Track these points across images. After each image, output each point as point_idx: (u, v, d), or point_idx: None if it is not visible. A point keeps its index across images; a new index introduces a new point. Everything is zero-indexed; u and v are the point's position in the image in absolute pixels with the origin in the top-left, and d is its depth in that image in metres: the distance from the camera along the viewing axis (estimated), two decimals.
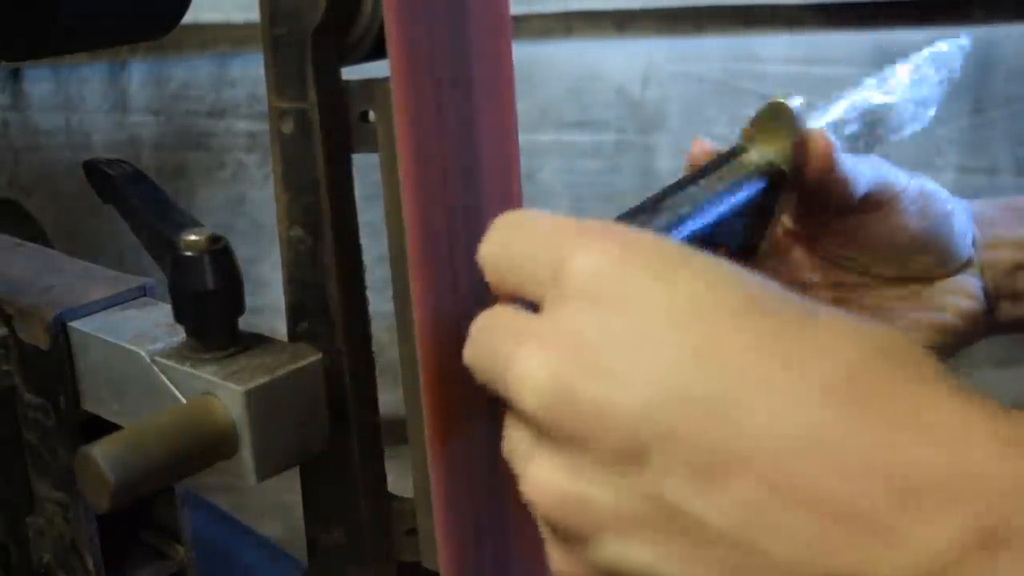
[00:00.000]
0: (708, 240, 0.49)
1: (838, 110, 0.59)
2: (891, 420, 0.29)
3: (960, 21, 0.99)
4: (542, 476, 0.32)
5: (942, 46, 0.63)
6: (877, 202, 0.57)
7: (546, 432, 0.32)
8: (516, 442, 0.34)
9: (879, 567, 0.27)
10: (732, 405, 0.29)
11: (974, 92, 1.00)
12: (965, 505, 0.27)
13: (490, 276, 0.36)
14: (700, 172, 0.52)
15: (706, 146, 0.56)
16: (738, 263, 0.53)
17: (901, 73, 0.61)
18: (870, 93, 0.60)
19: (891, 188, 0.57)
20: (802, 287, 0.61)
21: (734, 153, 0.54)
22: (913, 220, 0.58)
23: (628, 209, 0.48)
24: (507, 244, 0.36)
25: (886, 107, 0.60)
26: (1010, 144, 1.01)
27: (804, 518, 0.28)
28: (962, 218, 0.61)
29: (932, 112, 0.62)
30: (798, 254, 0.61)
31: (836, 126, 0.58)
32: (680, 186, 0.51)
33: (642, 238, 0.34)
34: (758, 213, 0.53)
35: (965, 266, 0.61)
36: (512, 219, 0.37)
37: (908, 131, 0.61)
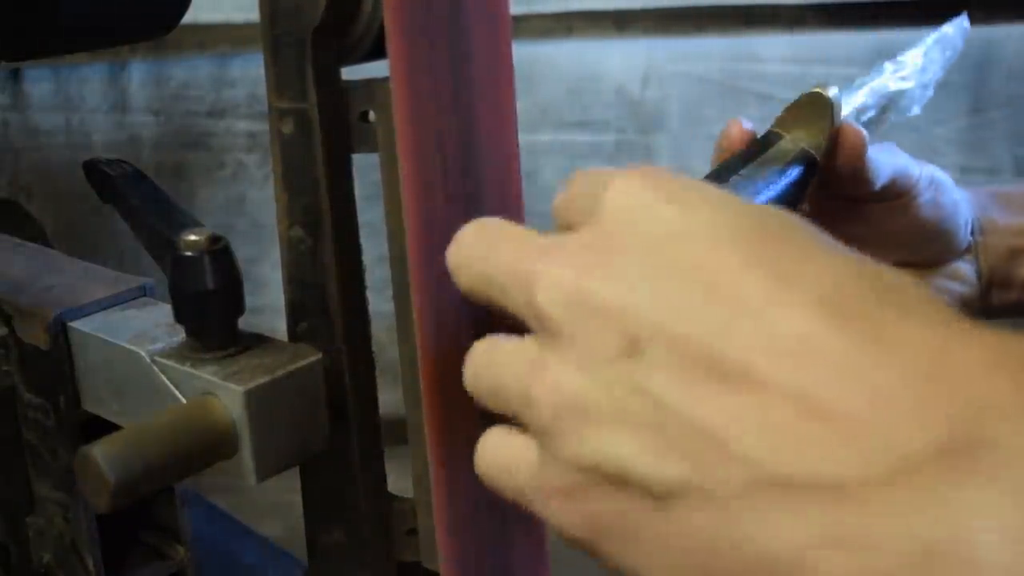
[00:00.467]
0: None
1: (860, 96, 0.60)
2: (875, 335, 0.29)
3: None
4: (548, 379, 0.33)
5: (947, 29, 0.65)
6: (896, 192, 0.59)
7: (555, 336, 0.33)
8: (521, 363, 0.35)
9: (840, 464, 0.28)
10: (725, 311, 0.31)
11: (974, 92, 1.00)
12: (934, 413, 0.27)
13: (560, 221, 0.38)
14: (742, 157, 0.53)
15: (744, 128, 0.58)
16: None
17: (914, 58, 0.62)
18: (888, 79, 0.61)
19: (908, 178, 0.59)
20: None
21: (770, 140, 0.55)
22: (926, 209, 0.60)
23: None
24: (571, 188, 0.38)
25: (900, 92, 0.61)
26: (1010, 144, 1.01)
27: (778, 413, 0.29)
28: (966, 206, 0.63)
29: (931, 92, 0.63)
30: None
31: (857, 113, 0.59)
32: (727, 170, 0.52)
33: (678, 178, 0.35)
34: (789, 199, 0.55)
35: (965, 252, 0.63)
36: (580, 174, 0.39)
37: (913, 112, 0.62)
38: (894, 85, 0.61)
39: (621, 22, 1.03)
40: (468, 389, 0.37)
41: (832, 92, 0.56)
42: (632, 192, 0.35)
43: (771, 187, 0.52)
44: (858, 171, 0.56)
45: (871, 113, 0.60)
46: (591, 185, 0.37)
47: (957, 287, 0.63)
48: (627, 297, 0.32)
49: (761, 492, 0.28)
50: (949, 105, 1.00)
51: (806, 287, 0.30)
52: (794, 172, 0.54)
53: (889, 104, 0.61)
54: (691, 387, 0.30)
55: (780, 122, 0.57)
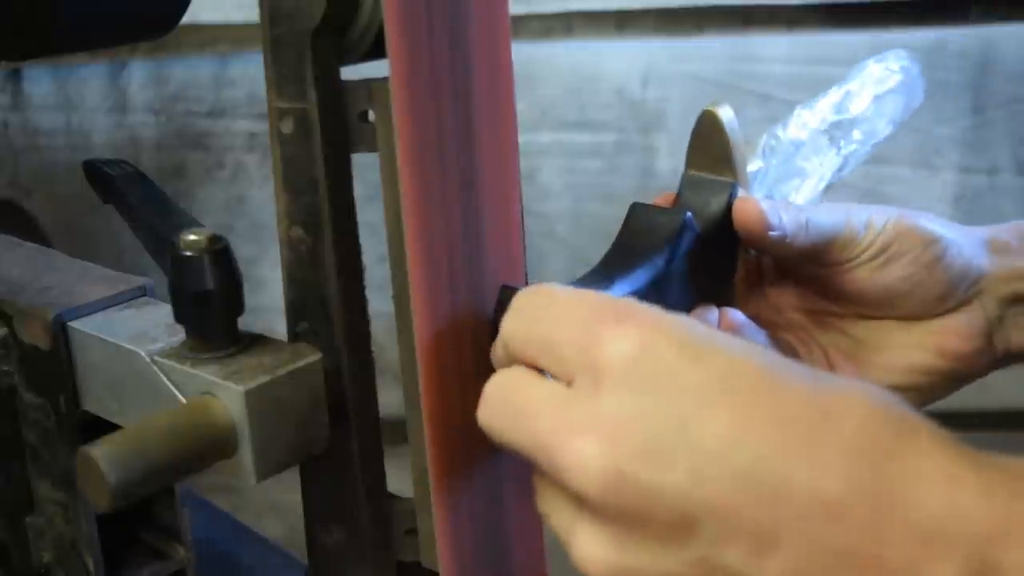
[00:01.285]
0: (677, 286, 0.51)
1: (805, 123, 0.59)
2: (902, 475, 0.32)
3: (960, 21, 0.99)
4: (590, 548, 0.35)
5: (874, 68, 0.62)
6: (835, 255, 0.56)
7: (596, 511, 0.35)
8: (557, 509, 0.37)
9: None
10: (769, 475, 0.33)
11: (974, 92, 1.00)
12: (961, 544, 0.31)
13: (515, 350, 0.38)
14: (626, 243, 0.52)
15: (663, 198, 0.57)
16: (719, 290, 0.53)
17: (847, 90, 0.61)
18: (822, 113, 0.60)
19: (852, 238, 0.56)
20: (789, 323, 0.61)
21: (652, 215, 0.53)
22: (881, 270, 0.56)
23: (581, 276, 0.49)
24: (534, 321, 0.38)
25: (846, 121, 0.60)
26: (1010, 144, 1.01)
27: (842, 571, 0.32)
28: (961, 255, 0.57)
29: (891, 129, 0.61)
30: (781, 291, 0.61)
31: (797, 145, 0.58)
32: (612, 266, 0.51)
33: (670, 320, 0.36)
34: (714, 257, 0.54)
35: (965, 303, 0.58)
36: (535, 295, 0.39)
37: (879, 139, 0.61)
38: (832, 117, 0.60)
39: (621, 22, 1.03)
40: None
41: (723, 112, 0.55)
42: (637, 349, 0.35)
43: (663, 267, 0.51)
44: (769, 242, 0.54)
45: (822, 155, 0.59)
46: (573, 328, 0.36)
47: (952, 343, 0.58)
48: (668, 475, 0.33)
49: None
50: (949, 105, 1.00)
51: (830, 437, 0.33)
52: (684, 242, 0.52)
53: (833, 131, 0.59)
54: (754, 555, 0.33)
55: (690, 159, 0.56)
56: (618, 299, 0.38)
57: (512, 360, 0.39)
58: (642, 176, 1.03)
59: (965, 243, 0.58)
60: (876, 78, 0.62)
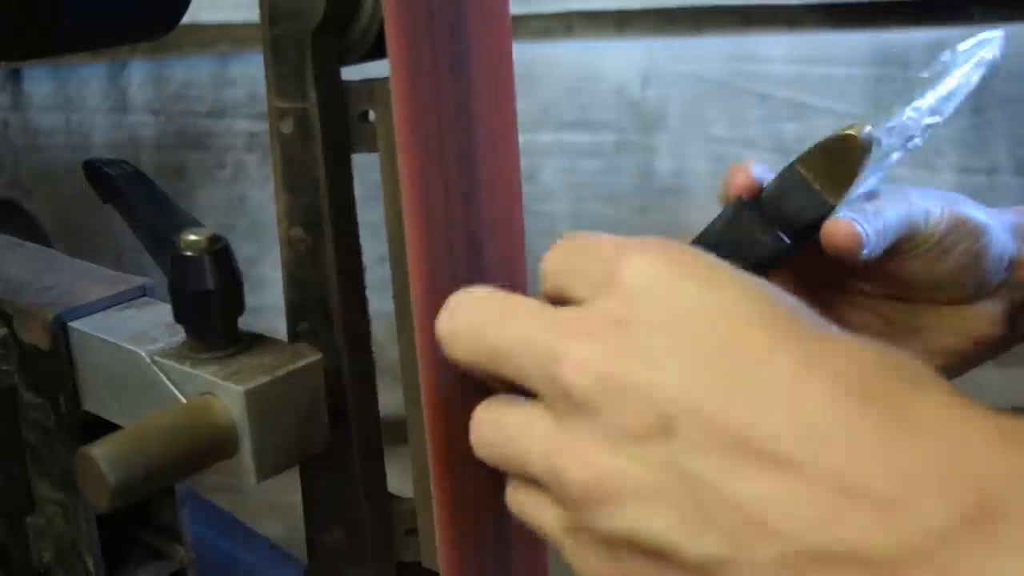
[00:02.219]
0: None
1: (898, 127, 0.54)
2: (897, 416, 0.31)
3: (960, 21, 0.99)
4: (577, 451, 0.34)
5: (986, 54, 0.59)
6: (898, 246, 0.55)
7: (582, 411, 0.34)
8: (539, 432, 0.36)
9: (876, 539, 0.29)
10: (757, 392, 0.32)
11: (974, 92, 1.00)
12: (959, 487, 0.29)
13: (550, 280, 0.38)
14: (732, 219, 0.51)
15: (749, 176, 0.53)
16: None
17: (948, 86, 0.57)
18: (923, 110, 0.55)
19: (914, 234, 0.55)
20: (819, 299, 0.59)
21: (771, 203, 0.52)
22: (936, 262, 0.56)
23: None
24: (570, 252, 0.38)
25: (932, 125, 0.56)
26: (1010, 144, 1.01)
27: (813, 492, 0.30)
28: (999, 242, 0.57)
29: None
30: (816, 269, 0.58)
31: (883, 153, 0.53)
32: (723, 233, 0.50)
33: (696, 253, 0.36)
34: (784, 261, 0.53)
35: (996, 289, 0.58)
36: (576, 238, 0.39)
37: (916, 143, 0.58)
38: (928, 120, 0.55)
39: (621, 22, 1.03)
40: (476, 454, 0.38)
41: (866, 133, 0.51)
42: (653, 267, 0.35)
43: (763, 254, 0.51)
44: (859, 259, 0.52)
45: (896, 153, 0.54)
46: (597, 255, 0.37)
47: (981, 328, 0.58)
48: (658, 376, 0.33)
49: (798, 567, 0.30)
50: None
51: (832, 370, 0.32)
52: (776, 262, 0.51)
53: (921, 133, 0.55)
54: (727, 466, 0.32)
55: (805, 161, 0.52)
56: (650, 237, 0.38)
57: (547, 294, 0.38)
58: (642, 176, 1.03)
59: (1000, 230, 0.58)
60: (972, 70, 0.58)
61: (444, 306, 0.38)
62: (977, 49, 0.59)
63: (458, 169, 0.42)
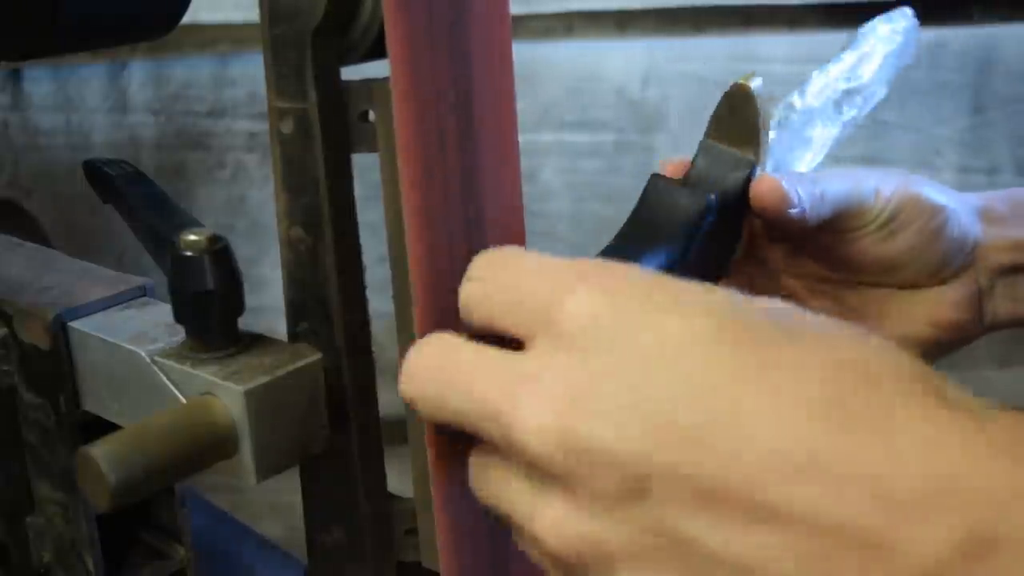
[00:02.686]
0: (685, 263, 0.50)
1: (815, 90, 0.57)
2: (879, 442, 0.29)
3: (960, 21, 0.99)
4: (550, 520, 0.33)
5: (883, 29, 0.60)
6: (843, 224, 0.55)
7: (551, 477, 0.33)
8: (516, 493, 0.34)
9: None
10: (723, 434, 0.30)
11: (974, 92, 1.00)
12: (946, 515, 0.28)
13: (476, 313, 0.36)
14: (645, 216, 0.51)
15: (675, 167, 0.54)
16: (717, 270, 0.51)
17: (860, 51, 0.58)
18: (835, 75, 0.57)
19: (862, 211, 0.54)
20: (783, 288, 0.59)
21: (693, 180, 0.52)
22: (887, 240, 0.55)
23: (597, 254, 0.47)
24: (495, 282, 0.36)
25: (853, 90, 0.57)
26: (1010, 144, 1.01)
27: (799, 536, 0.29)
28: (959, 223, 0.57)
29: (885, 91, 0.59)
30: (776, 256, 0.59)
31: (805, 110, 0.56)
32: (630, 238, 0.50)
33: (633, 277, 0.34)
34: (713, 248, 0.52)
35: (958, 273, 0.58)
36: (497, 257, 0.37)
37: (873, 104, 0.59)
38: (843, 85, 0.57)
39: (621, 22, 1.03)
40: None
41: (756, 84, 0.52)
42: (592, 304, 0.33)
43: (680, 250, 0.49)
44: (787, 219, 0.52)
45: (829, 124, 0.56)
46: (535, 286, 0.34)
47: (945, 312, 0.57)
48: (621, 434, 0.31)
49: None
50: (949, 105, 1.00)
51: (805, 395, 0.30)
52: (706, 223, 0.50)
53: (842, 99, 0.57)
54: (710, 522, 0.30)
55: (711, 134, 0.53)
56: (585, 260, 0.35)
57: (468, 326, 0.36)
58: (642, 176, 1.03)
59: (962, 212, 0.58)
60: (885, 39, 0.59)
61: (403, 368, 0.36)
62: (888, 21, 0.61)
63: (458, 169, 0.42)
